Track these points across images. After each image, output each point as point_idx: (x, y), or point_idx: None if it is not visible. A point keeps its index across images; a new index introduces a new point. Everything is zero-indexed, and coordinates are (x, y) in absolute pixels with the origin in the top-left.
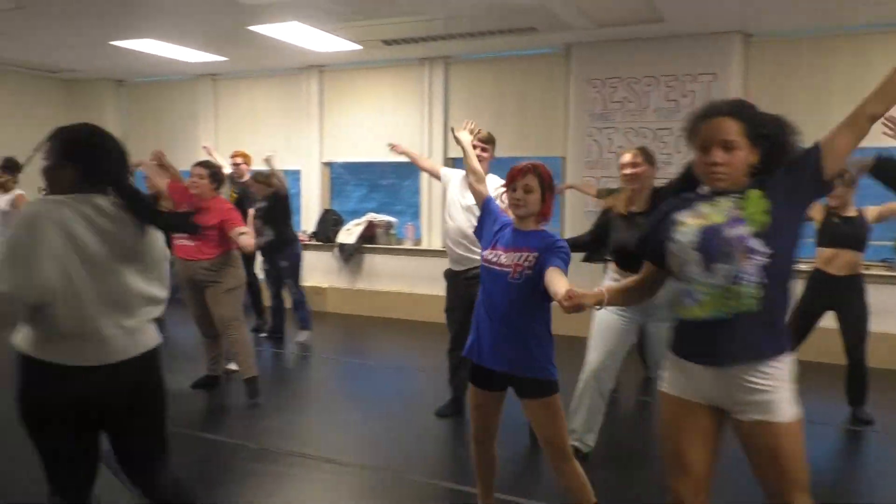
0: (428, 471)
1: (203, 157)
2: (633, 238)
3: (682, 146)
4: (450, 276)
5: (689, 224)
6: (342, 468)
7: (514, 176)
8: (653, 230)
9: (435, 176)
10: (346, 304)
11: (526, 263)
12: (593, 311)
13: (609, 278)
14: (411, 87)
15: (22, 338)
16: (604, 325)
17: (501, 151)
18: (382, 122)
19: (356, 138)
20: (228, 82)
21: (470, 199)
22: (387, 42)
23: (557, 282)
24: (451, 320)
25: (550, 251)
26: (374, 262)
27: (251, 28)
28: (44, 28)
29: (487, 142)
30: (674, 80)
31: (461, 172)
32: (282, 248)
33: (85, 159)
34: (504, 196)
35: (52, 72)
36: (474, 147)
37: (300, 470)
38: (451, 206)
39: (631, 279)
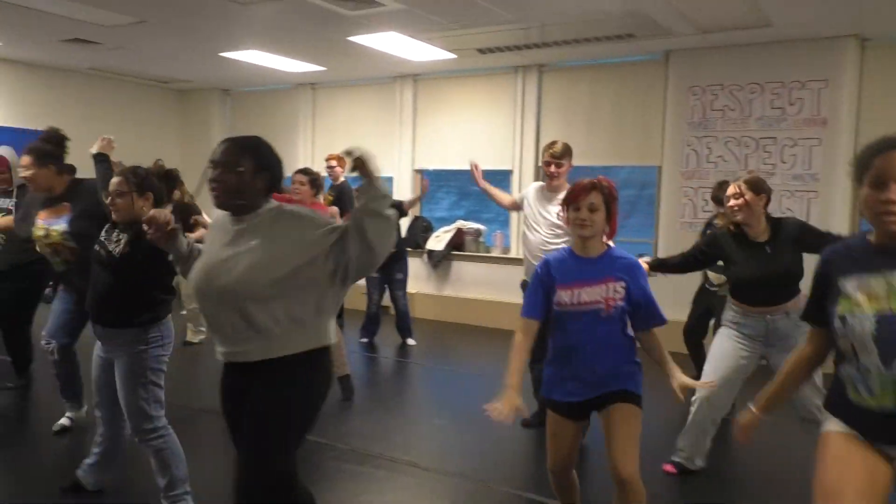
0: (513, 482)
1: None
2: (760, 271)
3: (786, 156)
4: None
5: (862, 307)
6: (427, 473)
7: (575, 195)
8: (818, 294)
9: (517, 208)
10: (434, 310)
11: (617, 295)
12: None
13: (730, 313)
14: (504, 96)
15: (326, 330)
16: (722, 353)
17: (595, 160)
18: (474, 130)
19: (447, 146)
20: (326, 91)
21: (554, 216)
22: (481, 51)
23: (680, 378)
24: None
25: (634, 277)
26: (461, 269)
27: (350, 38)
28: (160, 42)
29: (561, 156)
30: (780, 86)
31: (537, 184)
32: (398, 260)
33: (274, 170)
34: (564, 219)
35: (165, 82)
36: (547, 163)
37: (386, 473)
38: (531, 219)
39: (789, 367)
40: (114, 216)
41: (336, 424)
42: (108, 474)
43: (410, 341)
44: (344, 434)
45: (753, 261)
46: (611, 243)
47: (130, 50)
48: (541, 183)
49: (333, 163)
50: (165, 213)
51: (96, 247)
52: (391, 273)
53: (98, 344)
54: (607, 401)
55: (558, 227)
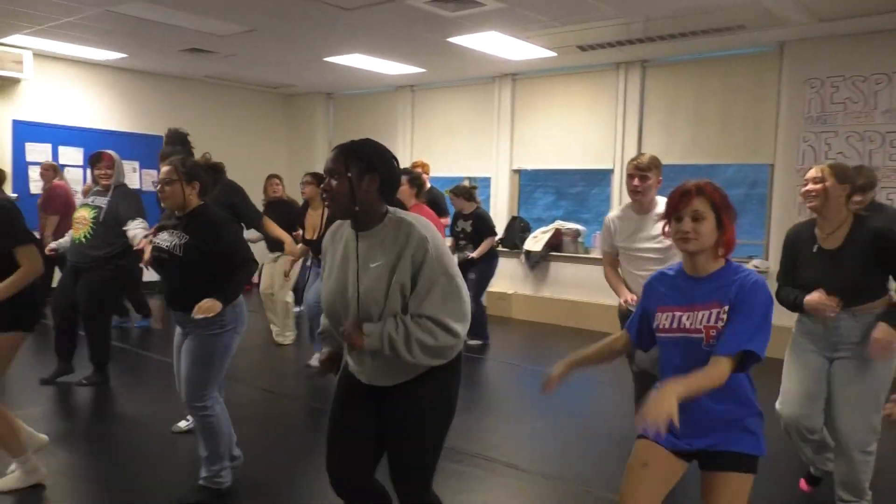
0: (615, 487)
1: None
2: (816, 278)
3: None
4: (626, 314)
5: None
6: (526, 475)
7: (674, 203)
8: None
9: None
10: (531, 310)
11: (719, 324)
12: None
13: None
14: (605, 93)
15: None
16: (797, 364)
17: (700, 159)
18: (573, 129)
19: (546, 146)
20: (425, 92)
21: (649, 242)
22: (582, 48)
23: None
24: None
25: (743, 296)
26: (560, 270)
27: (450, 40)
28: (269, 49)
29: (647, 168)
30: None
31: (616, 213)
32: (479, 263)
33: (385, 171)
34: (665, 233)
35: (273, 88)
36: (630, 176)
37: (483, 472)
38: (626, 262)
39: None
40: (163, 203)
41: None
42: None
43: (473, 341)
44: (470, 438)
45: (814, 265)
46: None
47: (242, 57)
48: (619, 210)
49: (419, 170)
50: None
51: (155, 251)
52: (465, 273)
53: (177, 329)
54: (712, 462)
55: (659, 252)
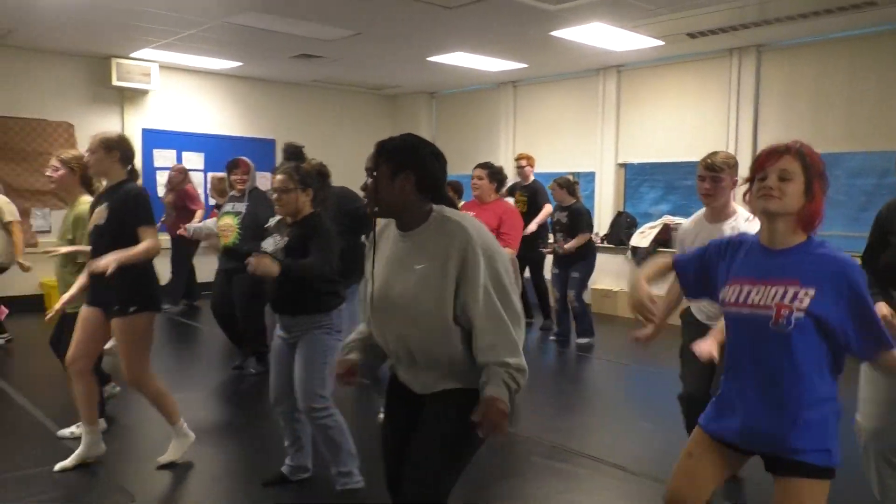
0: (727, 492)
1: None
2: None
3: None
4: (689, 319)
5: None
6: (632, 477)
7: (762, 160)
8: None
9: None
10: None
11: (797, 304)
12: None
13: None
14: (716, 82)
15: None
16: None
17: (822, 147)
18: (682, 120)
19: (653, 138)
20: (527, 88)
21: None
22: (692, 35)
23: None
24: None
25: (837, 284)
26: None
27: (553, 33)
28: (374, 51)
29: (720, 168)
30: None
31: (689, 222)
32: (577, 260)
33: (420, 168)
34: (746, 197)
35: (377, 89)
36: (700, 178)
37: (590, 472)
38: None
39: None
40: (279, 210)
41: (540, 420)
42: (307, 465)
43: (580, 340)
44: (547, 429)
45: None
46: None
47: (348, 61)
48: (694, 217)
49: (523, 162)
50: None
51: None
52: (567, 271)
53: (278, 330)
54: (781, 468)
55: None
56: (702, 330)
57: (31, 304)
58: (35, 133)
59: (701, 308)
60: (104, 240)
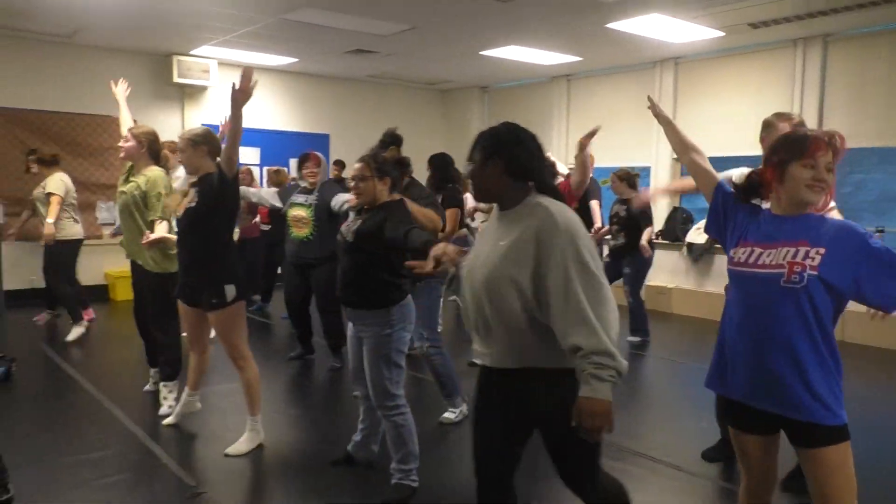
0: (790, 495)
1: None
2: None
3: None
4: None
5: None
6: (690, 478)
7: (813, 147)
8: None
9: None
10: (692, 306)
11: (808, 261)
12: None
13: None
14: (778, 73)
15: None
16: None
17: (894, 140)
18: (741, 113)
19: (711, 132)
20: (581, 81)
21: None
22: (753, 25)
23: None
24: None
25: (843, 246)
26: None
27: (609, 25)
28: (428, 46)
29: None
30: None
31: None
32: (629, 254)
33: (508, 154)
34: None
35: (430, 84)
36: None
37: (645, 472)
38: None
39: None
40: (355, 199)
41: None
42: (373, 448)
43: (632, 338)
44: (631, 435)
45: None
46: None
47: (402, 56)
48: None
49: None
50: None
51: (338, 235)
52: (619, 266)
53: (350, 324)
54: (798, 437)
55: None
56: None
57: (97, 294)
58: (100, 129)
59: None
60: (192, 222)
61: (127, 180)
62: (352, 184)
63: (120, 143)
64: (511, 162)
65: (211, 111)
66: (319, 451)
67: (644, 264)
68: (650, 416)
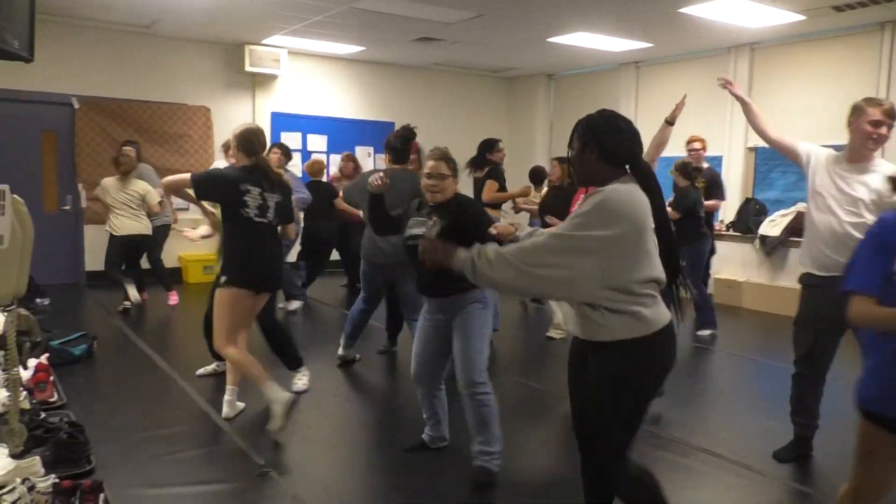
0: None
1: None
2: None
3: None
4: (809, 281)
5: None
6: (758, 477)
7: None
8: None
9: (790, 153)
10: (764, 300)
11: None
12: None
13: None
14: (863, 58)
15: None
16: None
17: None
18: (821, 100)
19: (787, 120)
20: (651, 68)
21: (862, 191)
22: (838, 8)
23: None
24: (800, 337)
25: None
26: (799, 257)
27: (682, 10)
28: (494, 33)
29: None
30: None
31: (828, 153)
32: (682, 245)
33: (602, 141)
34: None
35: (495, 71)
36: (876, 124)
37: (712, 469)
38: (823, 191)
39: None
40: (433, 198)
41: (654, 412)
42: (446, 434)
43: (701, 332)
44: (666, 422)
45: None
46: None
47: (468, 43)
48: (834, 153)
49: (697, 145)
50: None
51: (409, 239)
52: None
53: (424, 313)
54: None
55: (863, 205)
56: (822, 292)
57: (172, 277)
58: (176, 117)
59: (819, 258)
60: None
61: None
62: (429, 182)
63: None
64: (605, 150)
65: (280, 99)
66: (385, 435)
67: (696, 254)
68: (718, 412)
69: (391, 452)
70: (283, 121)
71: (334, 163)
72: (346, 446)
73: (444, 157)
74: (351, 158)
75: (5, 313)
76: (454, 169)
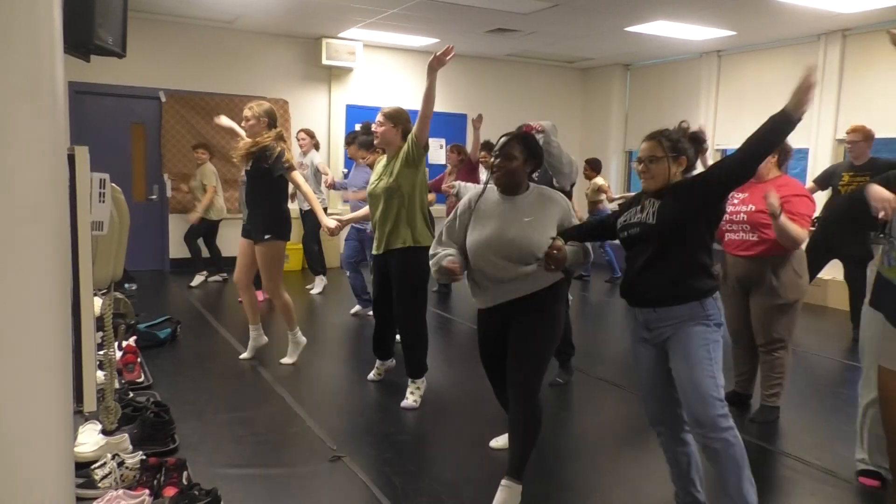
0: None
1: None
2: None
3: None
4: None
5: None
6: (845, 485)
7: None
8: None
9: None
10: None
11: None
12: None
13: None
14: None
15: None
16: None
17: None
18: None
19: (881, 111)
20: (733, 57)
21: None
22: None
23: None
24: None
25: None
26: None
27: None
28: (570, 23)
29: None
30: None
31: None
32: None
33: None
34: None
35: (570, 62)
36: None
37: (794, 474)
38: None
39: None
40: (646, 185)
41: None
42: (699, 497)
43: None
44: (751, 426)
45: None
46: None
47: (543, 34)
48: None
49: (858, 136)
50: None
51: (624, 226)
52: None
53: (634, 332)
54: None
55: None
56: None
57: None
58: None
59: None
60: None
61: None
62: (640, 167)
63: (373, 128)
64: (537, 164)
65: (355, 92)
66: (458, 426)
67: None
68: (800, 416)
69: (460, 445)
70: (357, 113)
71: None
72: (416, 436)
73: (656, 135)
74: (457, 150)
75: (103, 296)
76: (675, 150)
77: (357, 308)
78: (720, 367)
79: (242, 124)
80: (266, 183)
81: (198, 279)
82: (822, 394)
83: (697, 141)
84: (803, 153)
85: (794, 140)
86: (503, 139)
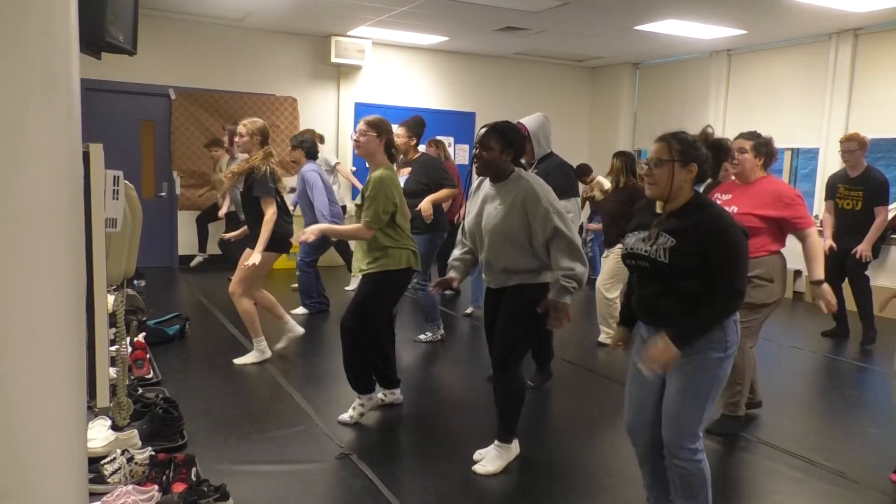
0: None
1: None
2: None
3: None
4: None
5: None
6: (855, 486)
7: None
8: None
9: None
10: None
11: None
12: None
13: None
14: None
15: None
16: None
17: None
18: None
19: (893, 110)
20: (743, 56)
21: None
22: None
23: None
24: None
25: None
26: None
27: None
28: (580, 21)
29: None
30: None
31: None
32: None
33: (700, 161)
34: None
35: (579, 61)
36: None
37: (803, 475)
38: None
39: None
40: (647, 190)
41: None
42: None
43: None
44: (756, 426)
45: None
46: None
47: (552, 32)
48: None
49: (854, 145)
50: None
51: (631, 254)
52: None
53: (638, 349)
54: None
55: None
56: None
57: None
58: (265, 107)
59: None
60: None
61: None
62: (644, 169)
63: (354, 137)
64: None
65: (364, 90)
66: (464, 427)
67: None
68: (811, 417)
69: (468, 442)
70: (366, 111)
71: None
72: (423, 434)
73: (666, 137)
74: (435, 144)
75: (115, 293)
76: (684, 155)
77: (301, 310)
78: (716, 400)
79: (235, 139)
80: (256, 201)
81: (197, 259)
82: (830, 395)
83: (720, 150)
84: (814, 153)
85: (804, 140)
86: (482, 130)
